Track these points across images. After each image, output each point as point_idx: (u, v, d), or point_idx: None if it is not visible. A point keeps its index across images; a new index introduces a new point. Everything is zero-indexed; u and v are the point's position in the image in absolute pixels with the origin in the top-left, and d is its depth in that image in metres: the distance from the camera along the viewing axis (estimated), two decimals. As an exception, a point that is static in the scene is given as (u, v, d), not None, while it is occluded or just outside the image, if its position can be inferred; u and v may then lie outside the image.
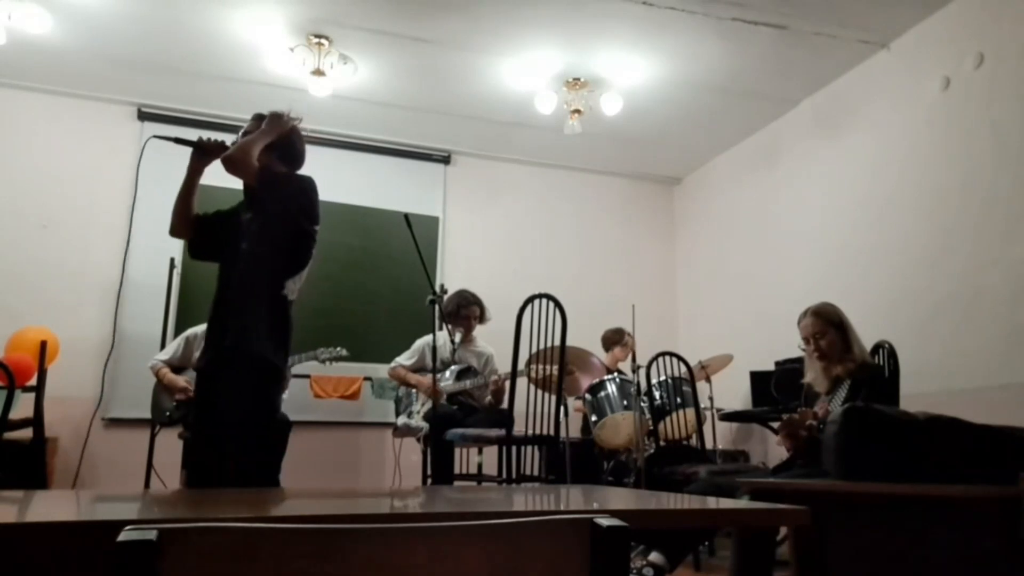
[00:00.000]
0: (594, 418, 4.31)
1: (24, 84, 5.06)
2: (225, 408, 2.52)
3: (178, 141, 2.76)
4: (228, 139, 2.83)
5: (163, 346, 4.51)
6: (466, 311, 4.37)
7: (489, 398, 4.32)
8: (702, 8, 4.10)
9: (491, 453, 3.97)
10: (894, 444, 2.02)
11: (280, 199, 2.69)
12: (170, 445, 4.08)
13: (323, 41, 4.46)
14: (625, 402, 4.21)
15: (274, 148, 2.76)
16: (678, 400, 4.24)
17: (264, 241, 2.65)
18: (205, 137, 2.80)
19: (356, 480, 5.27)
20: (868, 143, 4.59)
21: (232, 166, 2.65)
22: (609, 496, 1.63)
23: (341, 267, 5.37)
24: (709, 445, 4.48)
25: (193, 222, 2.81)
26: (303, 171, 2.86)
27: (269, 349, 2.58)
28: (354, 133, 5.65)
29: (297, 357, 4.17)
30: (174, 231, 2.83)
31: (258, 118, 2.83)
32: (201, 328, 4.15)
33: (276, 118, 2.78)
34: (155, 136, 2.77)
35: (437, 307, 3.91)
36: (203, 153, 2.76)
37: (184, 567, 0.65)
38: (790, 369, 4.04)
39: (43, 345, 4.12)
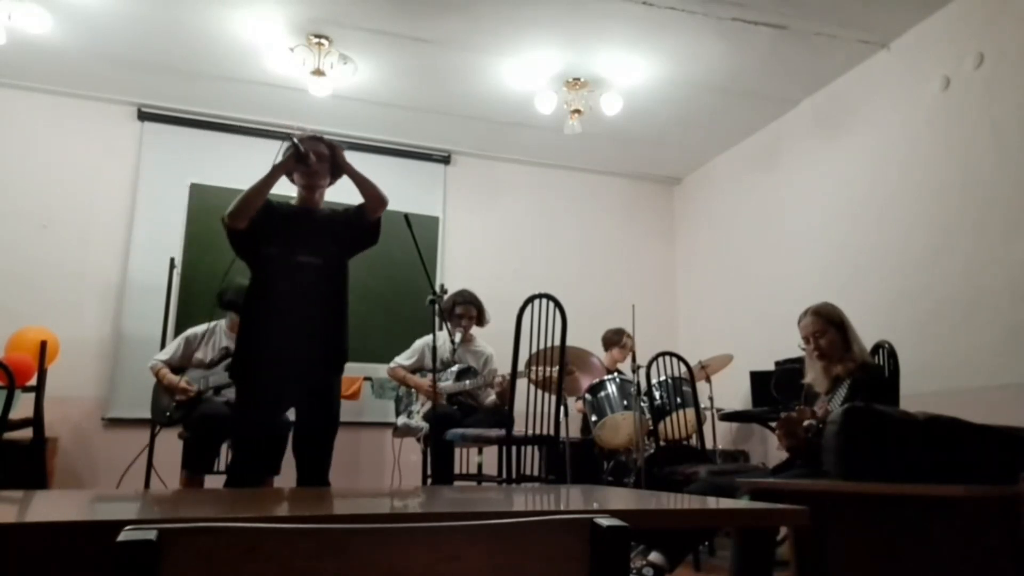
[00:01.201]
0: (594, 418, 4.31)
1: (24, 84, 5.06)
2: (336, 410, 3.00)
3: (297, 152, 2.93)
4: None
5: (163, 346, 4.50)
6: (462, 309, 4.36)
7: (493, 398, 4.30)
8: (702, 8, 4.10)
9: (491, 453, 3.97)
10: (894, 444, 2.02)
11: None
12: (170, 445, 4.08)
13: (323, 41, 4.46)
14: (625, 402, 4.21)
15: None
16: (678, 400, 4.24)
17: (347, 262, 3.09)
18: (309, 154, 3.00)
19: (356, 480, 5.27)
20: (868, 143, 4.59)
21: (384, 205, 3.12)
22: (609, 496, 1.63)
23: (341, 267, 5.36)
24: (709, 445, 4.48)
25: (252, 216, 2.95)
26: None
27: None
28: (354, 133, 5.65)
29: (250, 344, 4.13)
30: (237, 218, 2.87)
31: (317, 139, 3.04)
32: (201, 328, 4.16)
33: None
34: (295, 143, 2.91)
35: (437, 307, 3.90)
36: (299, 162, 2.94)
37: (184, 567, 0.65)
38: (790, 369, 4.04)
39: (43, 345, 4.12)
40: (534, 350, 3.48)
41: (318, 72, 4.50)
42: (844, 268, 4.65)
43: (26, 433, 3.94)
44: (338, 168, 3.06)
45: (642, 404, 4.10)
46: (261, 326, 2.89)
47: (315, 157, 2.96)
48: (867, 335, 3.17)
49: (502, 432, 3.55)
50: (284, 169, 2.94)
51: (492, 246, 6.00)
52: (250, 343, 2.90)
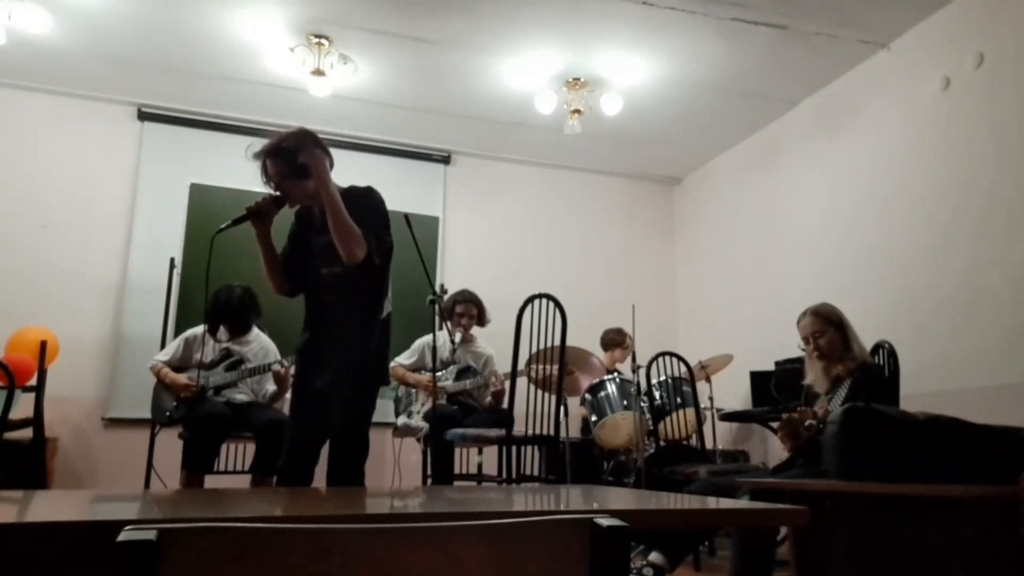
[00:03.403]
0: (594, 418, 4.31)
1: (24, 84, 5.06)
2: (365, 421, 2.76)
3: (237, 223, 2.66)
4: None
5: (163, 346, 4.50)
6: (462, 308, 4.36)
7: (489, 399, 4.31)
8: (702, 8, 4.10)
9: (491, 453, 3.97)
10: (894, 444, 2.02)
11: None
12: (170, 445, 4.08)
13: (323, 41, 4.46)
14: (625, 402, 4.21)
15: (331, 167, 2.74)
16: (678, 400, 4.24)
17: (375, 267, 2.69)
18: (253, 203, 2.64)
19: (356, 480, 5.26)
20: (868, 143, 4.59)
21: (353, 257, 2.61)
22: (609, 496, 1.63)
23: (341, 267, 5.36)
24: (709, 445, 4.48)
25: (284, 271, 2.79)
26: None
27: (383, 368, 2.86)
28: (354, 133, 5.65)
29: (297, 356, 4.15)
30: (281, 289, 2.79)
31: (274, 152, 2.63)
32: (200, 329, 4.15)
33: (311, 143, 2.66)
34: (219, 232, 2.64)
35: (437, 307, 3.90)
36: (262, 217, 2.64)
37: (184, 567, 0.65)
38: (790, 369, 4.04)
39: (43, 345, 4.12)
40: (534, 350, 3.48)
41: (318, 72, 4.50)
42: (844, 268, 4.65)
43: (26, 433, 3.94)
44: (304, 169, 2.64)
45: (642, 404, 4.10)
46: (304, 353, 2.77)
47: (269, 202, 2.63)
48: (867, 335, 3.17)
49: (502, 432, 3.55)
50: (264, 232, 2.68)
51: (492, 246, 6.00)
52: (299, 371, 2.80)
